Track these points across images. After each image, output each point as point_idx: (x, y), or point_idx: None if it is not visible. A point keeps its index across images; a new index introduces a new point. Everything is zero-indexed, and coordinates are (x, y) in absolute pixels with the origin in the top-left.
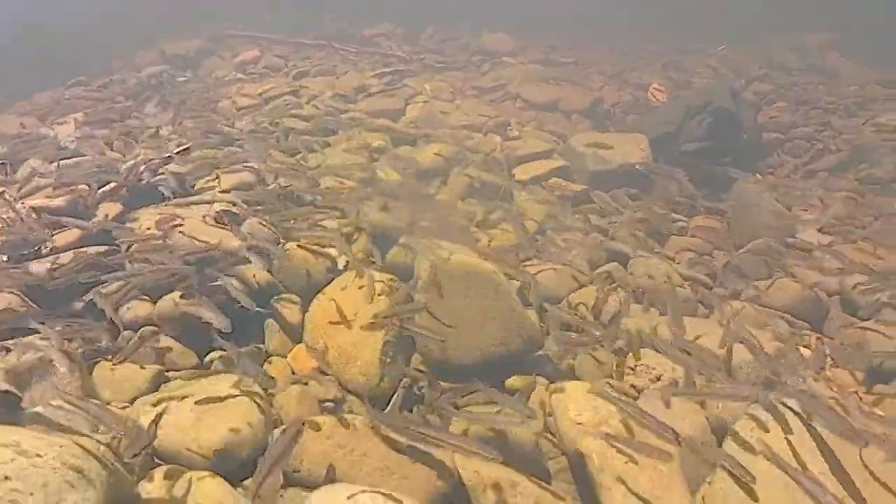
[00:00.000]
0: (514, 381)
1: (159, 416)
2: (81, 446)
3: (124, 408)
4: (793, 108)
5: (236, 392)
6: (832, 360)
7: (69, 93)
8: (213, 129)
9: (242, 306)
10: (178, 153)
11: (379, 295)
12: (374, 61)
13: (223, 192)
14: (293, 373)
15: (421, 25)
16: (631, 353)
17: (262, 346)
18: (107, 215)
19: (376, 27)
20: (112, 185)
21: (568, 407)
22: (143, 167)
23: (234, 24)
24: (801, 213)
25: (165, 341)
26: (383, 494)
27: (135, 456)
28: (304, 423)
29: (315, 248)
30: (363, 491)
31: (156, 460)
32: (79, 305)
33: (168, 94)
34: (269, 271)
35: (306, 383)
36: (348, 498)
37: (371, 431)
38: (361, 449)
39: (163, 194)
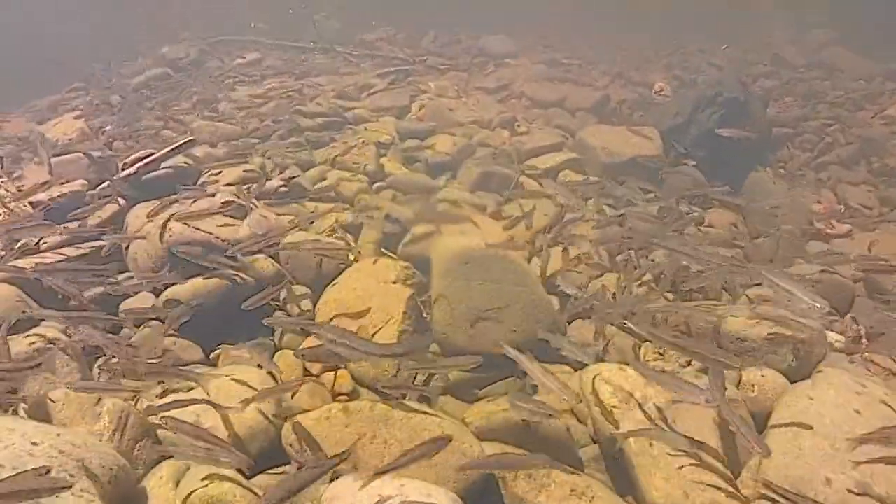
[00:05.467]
0: None
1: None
2: (81, 438)
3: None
4: (801, 103)
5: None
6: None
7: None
8: None
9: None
10: (182, 145)
11: (394, 282)
12: (375, 63)
13: (227, 185)
14: (304, 367)
15: (419, 30)
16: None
17: (272, 339)
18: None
19: (376, 32)
20: (106, 183)
21: (600, 390)
22: (141, 163)
23: (222, 31)
24: (814, 205)
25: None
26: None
27: None
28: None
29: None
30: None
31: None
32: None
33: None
34: (277, 262)
35: (317, 376)
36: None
37: (394, 418)
38: (382, 437)
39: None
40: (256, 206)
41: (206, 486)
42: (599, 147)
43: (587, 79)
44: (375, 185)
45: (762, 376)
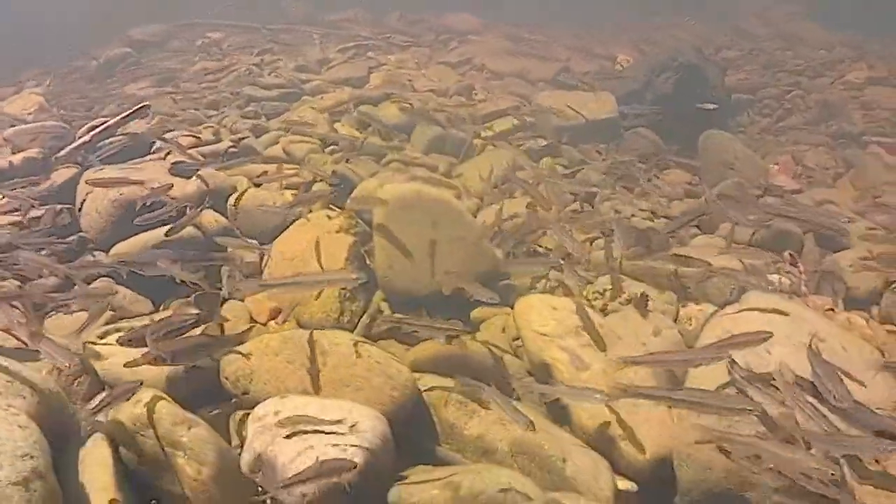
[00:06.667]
0: (479, 313)
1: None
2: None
3: None
4: (761, 72)
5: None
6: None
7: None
8: None
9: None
10: (135, 111)
11: (338, 232)
12: (339, 40)
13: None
14: (251, 316)
15: (386, 11)
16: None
17: (219, 290)
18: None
19: (342, 13)
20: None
21: (531, 318)
22: (95, 131)
23: (199, 15)
24: (772, 166)
25: (118, 288)
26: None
27: None
28: None
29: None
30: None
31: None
32: None
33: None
34: (225, 216)
35: (264, 324)
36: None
37: (323, 345)
38: (312, 363)
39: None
40: (203, 165)
41: (135, 407)
42: (553, 111)
43: (549, 53)
44: (329, 148)
45: (699, 310)
